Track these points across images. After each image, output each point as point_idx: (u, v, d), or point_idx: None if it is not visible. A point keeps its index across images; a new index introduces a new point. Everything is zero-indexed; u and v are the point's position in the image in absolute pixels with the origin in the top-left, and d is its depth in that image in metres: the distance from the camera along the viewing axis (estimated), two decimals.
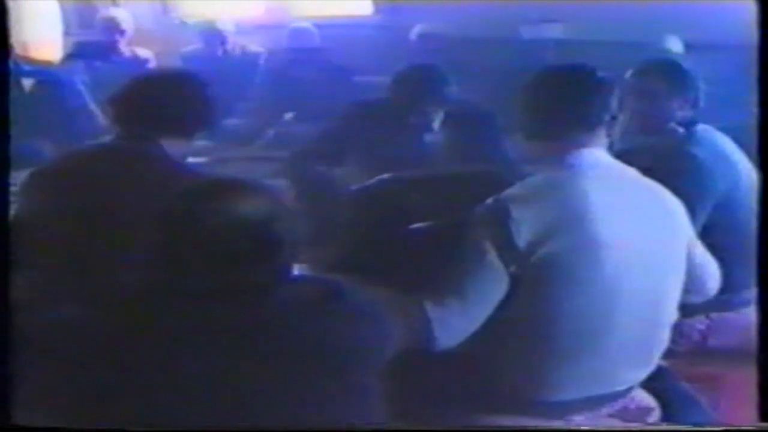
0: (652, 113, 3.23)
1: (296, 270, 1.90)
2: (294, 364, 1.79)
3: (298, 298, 1.84)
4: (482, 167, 2.86)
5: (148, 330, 1.76)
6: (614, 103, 2.48)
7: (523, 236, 2.33)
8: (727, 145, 3.21)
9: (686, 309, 2.67)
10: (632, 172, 2.51)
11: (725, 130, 3.25)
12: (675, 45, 5.46)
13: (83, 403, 1.74)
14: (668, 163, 2.91)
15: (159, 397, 1.74)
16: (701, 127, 3.24)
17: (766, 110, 2.26)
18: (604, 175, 2.46)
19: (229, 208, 1.82)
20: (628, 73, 3.29)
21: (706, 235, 2.76)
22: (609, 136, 2.49)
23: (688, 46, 5.40)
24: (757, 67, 2.27)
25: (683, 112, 3.24)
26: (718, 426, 2.63)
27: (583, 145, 2.45)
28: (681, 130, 3.22)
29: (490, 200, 2.39)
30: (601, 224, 2.36)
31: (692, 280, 2.56)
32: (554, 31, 6.03)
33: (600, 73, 2.52)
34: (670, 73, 3.30)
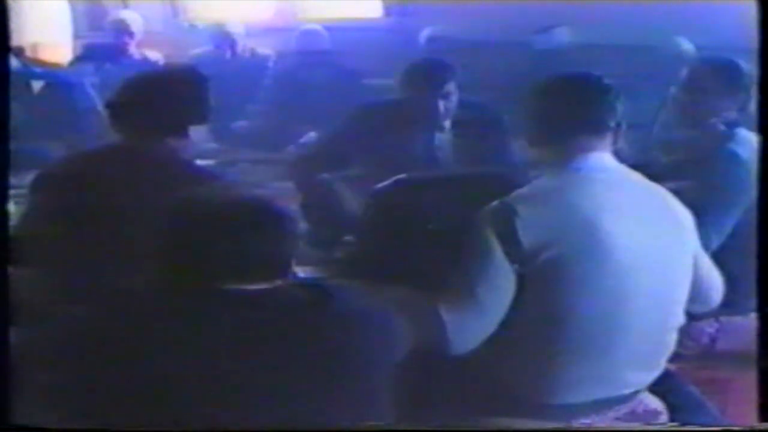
0: (699, 107, 3.21)
1: (301, 273, 1.90)
2: (294, 367, 1.80)
3: (292, 301, 1.85)
4: (490, 170, 2.86)
5: (150, 331, 1.76)
6: (620, 110, 2.49)
7: (529, 236, 2.33)
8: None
9: (695, 313, 2.67)
10: (639, 177, 2.52)
11: None
12: (686, 48, 5.44)
13: (84, 404, 1.75)
14: (709, 158, 2.88)
15: (160, 397, 1.74)
16: (744, 130, 3.21)
17: (766, 113, 2.25)
18: (612, 179, 2.46)
19: (233, 209, 1.82)
20: (683, 69, 3.27)
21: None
22: (615, 143, 2.50)
23: (698, 49, 5.38)
24: (758, 69, 2.26)
25: (729, 113, 3.21)
26: (718, 426, 2.62)
27: (591, 150, 2.46)
28: (723, 127, 3.20)
29: (497, 201, 2.39)
30: (608, 227, 2.36)
31: (697, 289, 2.56)
32: (563, 35, 6.01)
33: (606, 80, 2.53)
34: (725, 72, 3.25)
